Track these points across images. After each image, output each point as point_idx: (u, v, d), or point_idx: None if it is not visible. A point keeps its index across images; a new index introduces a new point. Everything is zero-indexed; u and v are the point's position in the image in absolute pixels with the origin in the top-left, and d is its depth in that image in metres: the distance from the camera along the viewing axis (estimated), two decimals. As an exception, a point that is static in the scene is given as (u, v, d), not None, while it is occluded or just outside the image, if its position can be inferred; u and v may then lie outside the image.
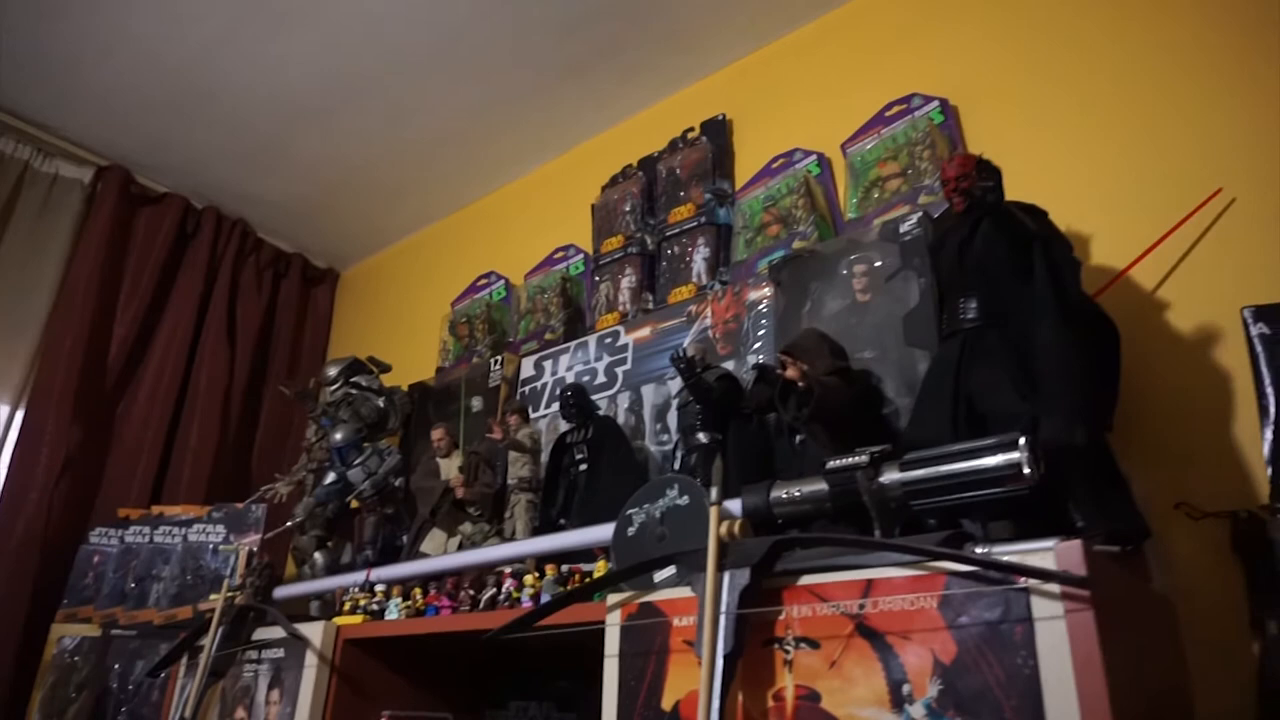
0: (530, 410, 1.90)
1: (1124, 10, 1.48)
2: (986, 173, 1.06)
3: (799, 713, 0.86)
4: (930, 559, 0.82)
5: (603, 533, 1.21)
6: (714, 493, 0.95)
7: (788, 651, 0.89)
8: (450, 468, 1.72)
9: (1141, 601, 1.02)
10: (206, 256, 2.75)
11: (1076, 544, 0.77)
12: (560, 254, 2.23)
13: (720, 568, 0.91)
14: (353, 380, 1.99)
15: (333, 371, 1.98)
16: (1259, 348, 1.18)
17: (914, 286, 1.35)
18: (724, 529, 0.95)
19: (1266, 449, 1.12)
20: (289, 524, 1.85)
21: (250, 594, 1.72)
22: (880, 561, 0.86)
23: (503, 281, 2.36)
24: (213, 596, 1.76)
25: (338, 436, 1.84)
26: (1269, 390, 1.15)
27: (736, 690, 0.90)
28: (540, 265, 2.26)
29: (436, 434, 1.77)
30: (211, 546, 1.99)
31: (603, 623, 1.05)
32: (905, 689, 0.81)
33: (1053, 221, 1.09)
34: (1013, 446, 0.89)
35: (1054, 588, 0.77)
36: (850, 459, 0.99)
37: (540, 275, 2.22)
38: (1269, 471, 1.10)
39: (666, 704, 0.96)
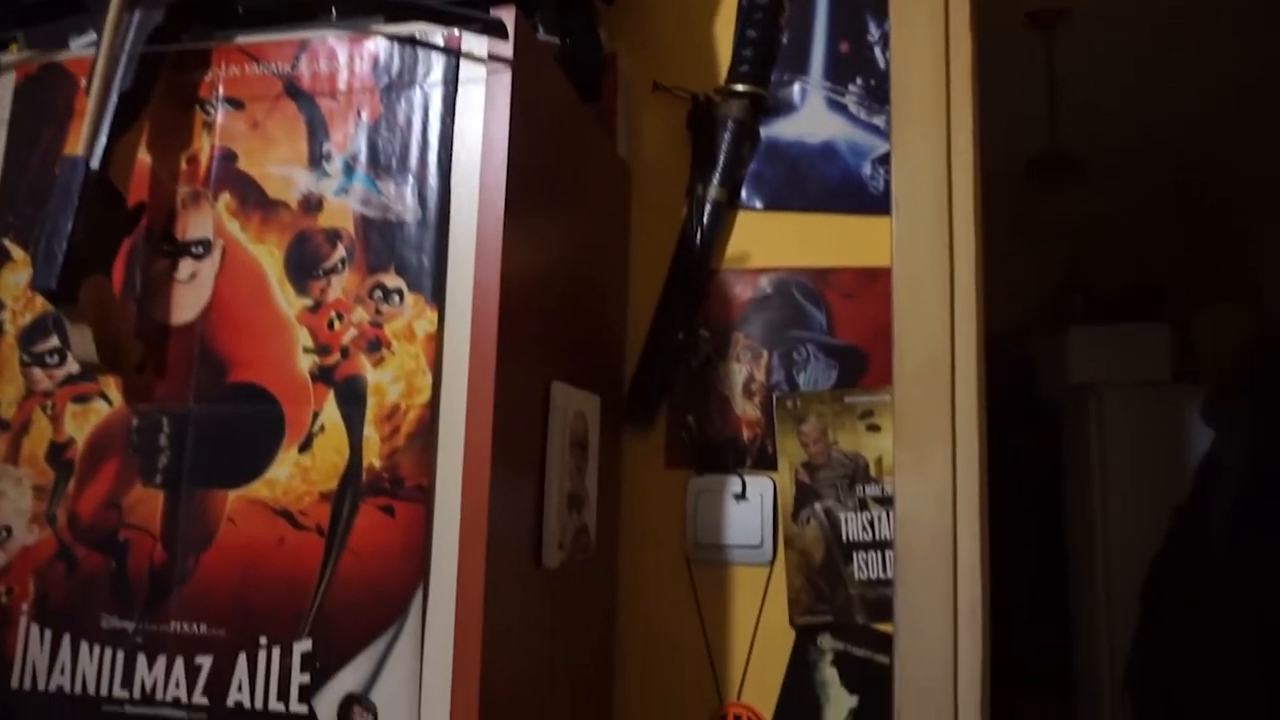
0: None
1: None
2: None
3: (212, 172, 0.80)
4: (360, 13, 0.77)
5: None
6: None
7: (209, 114, 0.81)
8: None
9: (593, 146, 1.08)
10: None
11: (512, 8, 0.77)
12: None
13: (131, 6, 0.78)
14: None
15: None
16: (752, -51, 1.25)
17: None
18: (149, -28, 0.80)
19: (734, 39, 1.22)
20: None
21: None
22: (321, 25, 0.80)
23: None
24: None
25: None
26: (737, -12, 1.23)
27: (139, 151, 0.80)
28: None
29: None
30: None
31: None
32: (325, 147, 0.78)
33: None
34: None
35: (483, 51, 0.76)
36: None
37: None
38: (731, 59, 1.21)
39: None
